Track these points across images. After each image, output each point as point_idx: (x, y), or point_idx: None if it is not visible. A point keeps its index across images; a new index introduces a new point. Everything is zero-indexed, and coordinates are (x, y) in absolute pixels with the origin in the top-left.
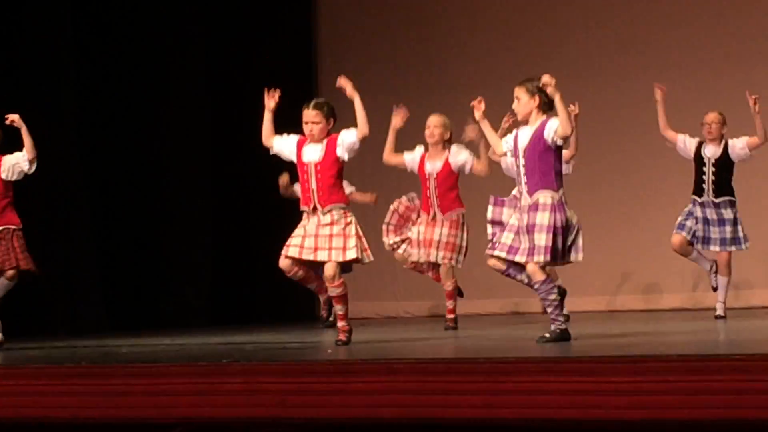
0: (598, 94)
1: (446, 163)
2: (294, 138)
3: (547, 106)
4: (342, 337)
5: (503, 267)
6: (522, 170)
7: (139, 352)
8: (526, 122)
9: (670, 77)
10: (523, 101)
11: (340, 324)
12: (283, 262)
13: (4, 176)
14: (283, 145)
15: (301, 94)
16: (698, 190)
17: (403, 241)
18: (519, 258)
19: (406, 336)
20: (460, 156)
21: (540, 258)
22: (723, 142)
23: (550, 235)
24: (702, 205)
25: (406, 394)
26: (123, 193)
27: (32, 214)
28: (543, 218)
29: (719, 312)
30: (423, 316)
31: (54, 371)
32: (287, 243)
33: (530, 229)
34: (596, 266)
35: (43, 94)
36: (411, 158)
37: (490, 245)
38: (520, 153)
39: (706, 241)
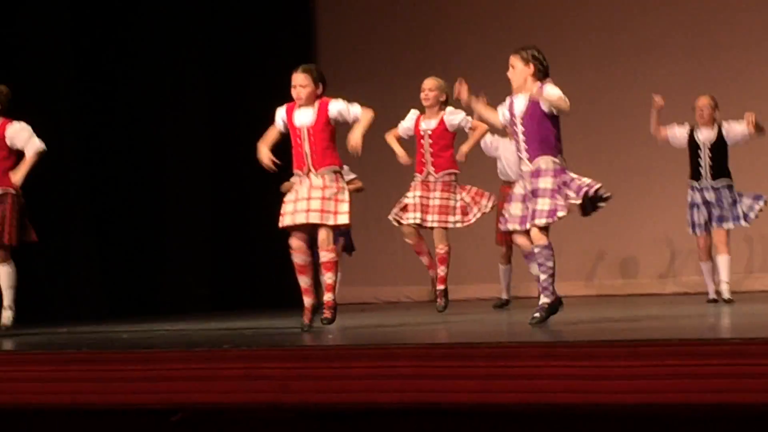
0: (586, 75)
1: (441, 121)
2: (282, 107)
3: (541, 74)
4: (327, 314)
5: (530, 247)
6: (521, 137)
7: (139, 338)
8: (519, 90)
9: (660, 61)
10: (518, 69)
11: (327, 296)
12: (295, 242)
13: (8, 143)
14: (278, 119)
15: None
16: (695, 175)
17: (402, 209)
18: (513, 226)
19: (405, 321)
20: (456, 117)
21: (542, 221)
22: (716, 125)
23: (554, 200)
24: (701, 190)
25: (406, 378)
26: (123, 179)
27: (32, 199)
28: (546, 183)
29: (725, 295)
30: (423, 301)
31: (54, 357)
32: (281, 212)
33: (534, 195)
34: (590, 250)
35: (41, 77)
36: (406, 125)
37: (502, 219)
38: (518, 120)
39: (720, 219)
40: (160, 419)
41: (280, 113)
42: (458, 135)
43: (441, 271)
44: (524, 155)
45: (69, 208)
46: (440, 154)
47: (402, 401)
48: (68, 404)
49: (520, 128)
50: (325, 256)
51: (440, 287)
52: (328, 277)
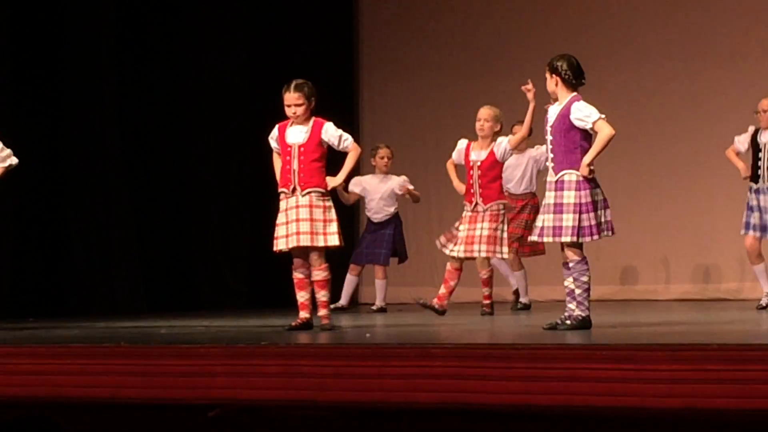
0: (627, 76)
1: (491, 153)
2: (274, 129)
3: (567, 83)
4: (326, 322)
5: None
6: (549, 147)
7: (177, 334)
8: (556, 99)
9: (720, 63)
10: (547, 81)
11: (322, 312)
12: (295, 259)
13: None
14: (274, 144)
15: (342, 84)
16: (755, 177)
17: (452, 242)
18: (546, 238)
19: (443, 321)
20: (502, 143)
21: (567, 238)
22: None
23: (577, 215)
24: (757, 191)
25: (444, 378)
26: (162, 173)
27: (71, 194)
28: (569, 197)
29: (764, 302)
30: (461, 303)
31: (94, 351)
32: (275, 236)
33: (557, 209)
34: (627, 254)
35: (83, 75)
36: (457, 154)
37: (535, 230)
38: (548, 130)
39: (763, 229)
40: (197, 414)
41: (274, 136)
42: None
43: (485, 291)
44: (550, 165)
45: (109, 204)
46: (489, 186)
47: (439, 401)
48: (107, 398)
49: (549, 137)
50: (318, 274)
51: (486, 302)
52: (322, 295)
